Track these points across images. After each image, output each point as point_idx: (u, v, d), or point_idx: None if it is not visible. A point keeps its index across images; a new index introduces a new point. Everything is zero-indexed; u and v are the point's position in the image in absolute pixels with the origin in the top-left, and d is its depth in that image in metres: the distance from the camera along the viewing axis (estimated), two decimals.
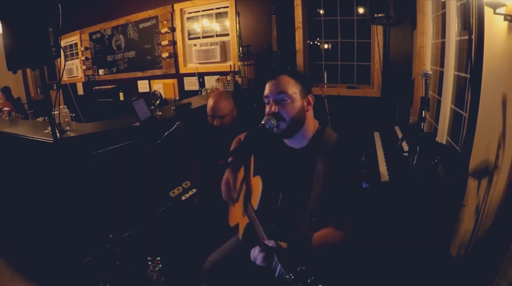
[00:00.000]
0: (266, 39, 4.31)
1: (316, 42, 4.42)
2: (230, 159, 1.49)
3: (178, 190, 1.92)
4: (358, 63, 4.11)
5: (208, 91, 4.28)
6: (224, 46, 4.89)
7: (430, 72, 1.70)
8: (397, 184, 2.12)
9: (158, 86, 5.53)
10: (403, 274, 1.76)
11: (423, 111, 1.70)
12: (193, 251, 1.79)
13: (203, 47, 4.96)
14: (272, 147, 1.41)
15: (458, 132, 2.23)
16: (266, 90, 1.30)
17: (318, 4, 4.22)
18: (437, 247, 1.84)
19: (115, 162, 2.21)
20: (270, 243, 1.00)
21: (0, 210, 2.81)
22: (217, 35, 5.00)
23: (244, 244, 1.04)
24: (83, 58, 6.55)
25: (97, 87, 6.01)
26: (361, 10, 3.92)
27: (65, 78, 6.63)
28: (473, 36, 1.74)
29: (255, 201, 1.36)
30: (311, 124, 1.33)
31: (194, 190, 1.98)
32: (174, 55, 5.27)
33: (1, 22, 1.94)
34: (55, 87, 6.30)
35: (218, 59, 4.84)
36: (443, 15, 2.59)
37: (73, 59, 6.85)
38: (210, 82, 4.88)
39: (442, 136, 2.49)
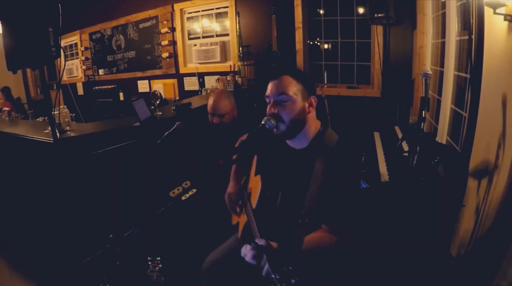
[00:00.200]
0: (266, 39, 4.31)
1: (316, 42, 4.42)
2: (234, 156, 1.49)
3: (178, 190, 1.93)
4: (358, 63, 4.11)
5: (208, 91, 4.29)
6: (224, 46, 4.89)
7: (430, 72, 1.70)
8: (397, 184, 2.12)
9: (158, 86, 5.54)
10: (403, 274, 1.76)
11: (423, 111, 1.70)
12: (193, 251, 1.79)
13: (203, 47, 4.96)
14: (274, 147, 1.41)
15: (458, 132, 2.23)
16: (268, 90, 1.30)
17: (318, 4, 4.22)
18: (437, 247, 1.84)
19: (115, 162, 2.21)
20: (261, 241, 1.01)
21: (0, 210, 2.81)
22: (217, 35, 5.00)
23: (243, 242, 1.05)
24: (83, 58, 6.55)
25: (97, 87, 6.01)
26: (361, 10, 3.92)
27: (65, 78, 6.63)
28: (473, 36, 1.74)
29: (254, 200, 1.36)
30: (313, 125, 1.32)
31: (194, 190, 1.99)
32: (174, 55, 5.27)
33: (1, 22, 1.94)
34: (55, 87, 6.30)
35: (218, 59, 4.84)
36: (443, 15, 2.59)
37: (73, 59, 6.85)
38: (210, 82, 4.88)
39: (442, 136, 2.49)
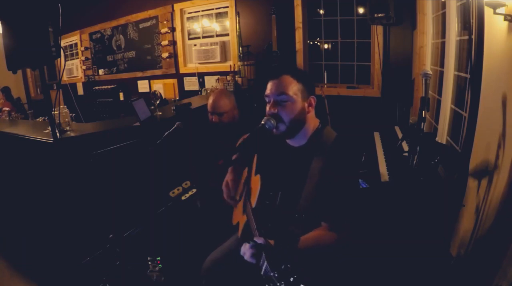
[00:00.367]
0: (266, 39, 4.31)
1: (316, 42, 4.42)
2: (234, 156, 1.49)
3: (178, 190, 1.93)
4: (358, 63, 4.11)
5: (208, 91, 4.29)
6: (224, 46, 4.89)
7: (430, 72, 1.70)
8: (397, 184, 2.12)
9: (158, 86, 5.54)
10: (403, 274, 1.76)
11: (423, 111, 1.70)
12: (193, 250, 1.79)
13: (203, 47, 4.96)
14: (274, 146, 1.41)
15: (458, 132, 2.22)
16: (268, 89, 1.29)
17: (318, 4, 4.22)
18: (437, 247, 1.84)
19: (115, 162, 2.21)
20: (260, 240, 1.01)
21: (0, 210, 2.81)
22: (217, 35, 5.00)
23: (243, 242, 1.05)
24: (83, 58, 6.55)
25: (97, 87, 6.02)
26: (361, 10, 3.92)
27: (65, 78, 6.62)
28: (473, 36, 1.74)
29: (254, 199, 1.36)
30: (312, 124, 1.32)
31: (194, 190, 1.99)
32: (174, 55, 5.27)
33: (1, 22, 1.94)
34: (55, 87, 6.29)
35: (218, 59, 4.84)
36: (443, 15, 2.59)
37: (73, 59, 6.85)
38: (210, 82, 4.88)
39: (442, 136, 2.49)
